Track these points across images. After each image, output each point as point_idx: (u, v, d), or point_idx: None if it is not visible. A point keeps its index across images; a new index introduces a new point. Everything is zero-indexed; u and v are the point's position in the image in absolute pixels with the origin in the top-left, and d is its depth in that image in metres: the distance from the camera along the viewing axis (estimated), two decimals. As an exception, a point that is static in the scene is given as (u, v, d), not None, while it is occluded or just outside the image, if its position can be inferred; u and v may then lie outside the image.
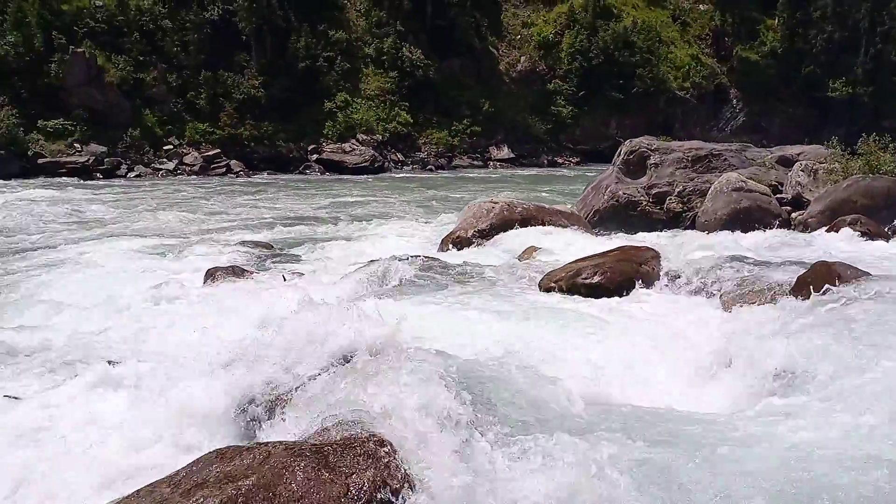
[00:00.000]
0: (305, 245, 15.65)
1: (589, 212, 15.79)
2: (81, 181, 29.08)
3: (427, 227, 17.22)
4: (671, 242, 11.60)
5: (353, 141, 37.05)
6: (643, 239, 13.00)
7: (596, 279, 8.38)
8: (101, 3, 35.05)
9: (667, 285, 8.60)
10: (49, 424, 5.16)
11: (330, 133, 36.83)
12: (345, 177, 33.35)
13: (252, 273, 10.87)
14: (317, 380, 5.22)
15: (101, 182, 29.39)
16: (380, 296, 8.54)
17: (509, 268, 10.39)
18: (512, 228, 13.31)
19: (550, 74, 44.17)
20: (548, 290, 8.54)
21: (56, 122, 31.65)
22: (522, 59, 44.48)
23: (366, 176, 33.85)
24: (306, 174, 34.15)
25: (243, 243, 14.42)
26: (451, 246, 13.34)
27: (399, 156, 38.09)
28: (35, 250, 14.65)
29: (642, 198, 15.40)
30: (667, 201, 15.22)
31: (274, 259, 13.07)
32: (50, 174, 29.62)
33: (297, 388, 5.30)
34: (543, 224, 13.50)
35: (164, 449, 4.68)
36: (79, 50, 32.52)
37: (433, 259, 10.97)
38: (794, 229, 12.99)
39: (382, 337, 5.56)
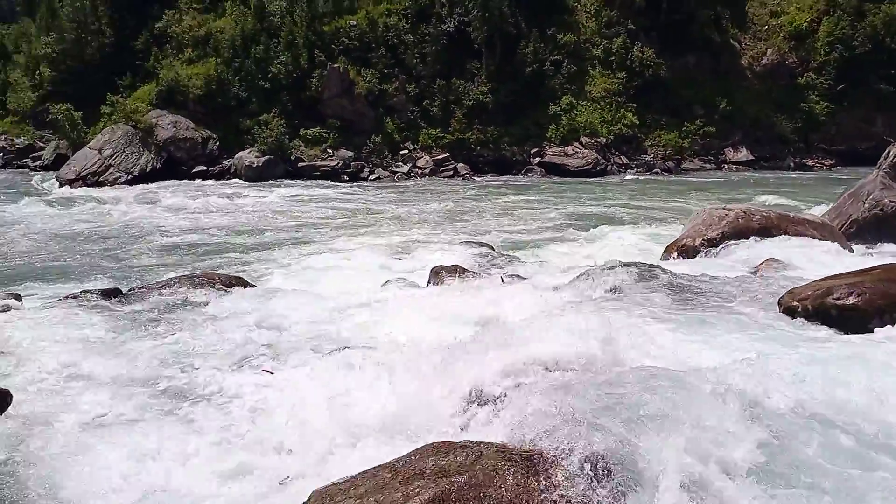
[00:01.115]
0: (526, 247, 15.88)
1: (844, 222, 13.78)
2: (331, 182, 32.73)
3: (650, 233, 16.45)
4: (956, 263, 9.68)
5: (576, 144, 36.72)
6: (916, 256, 11.06)
7: (851, 300, 7.23)
8: (354, 23, 39.06)
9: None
10: (293, 396, 5.85)
11: (553, 136, 36.94)
12: (566, 179, 33.21)
13: (473, 273, 11.29)
14: (533, 385, 5.23)
15: (346, 183, 32.80)
16: (598, 305, 8.32)
17: (743, 282, 9.45)
18: (748, 238, 12.12)
19: (802, 67, 39.51)
20: (790, 310, 7.58)
21: (314, 130, 35.99)
22: (769, 51, 40.39)
23: (588, 179, 33.37)
24: (528, 176, 34.66)
25: (466, 244, 15.05)
26: (675, 254, 12.54)
27: (623, 158, 36.93)
28: (291, 244, 16.78)
29: (917, 208, 13.06)
30: (951, 213, 12.75)
31: (495, 260, 13.43)
32: (307, 176, 33.79)
33: (512, 391, 5.36)
34: (787, 234, 12.09)
35: (382, 431, 5.03)
36: (335, 65, 36.62)
37: (655, 267, 10.41)
38: None
39: (601, 350, 5.40)
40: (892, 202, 13.39)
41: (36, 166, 37.71)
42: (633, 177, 34.57)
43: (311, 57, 37.16)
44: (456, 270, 11.25)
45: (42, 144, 40.16)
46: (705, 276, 9.93)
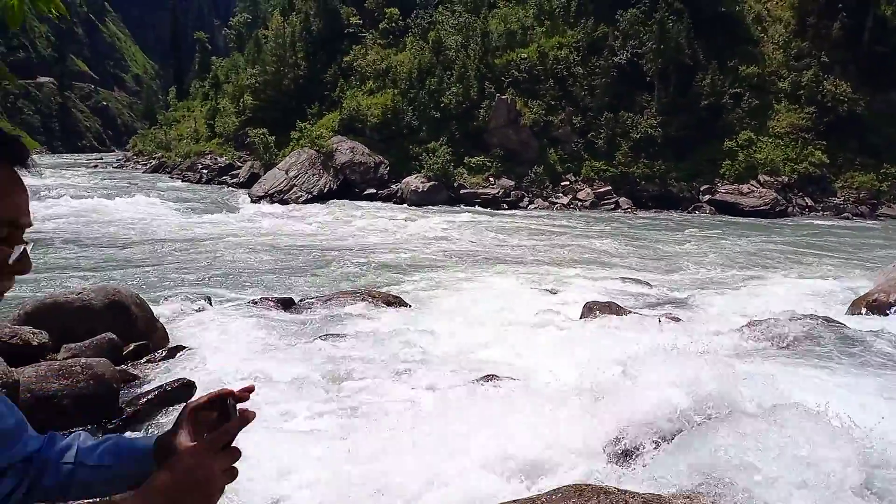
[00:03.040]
0: (686, 289, 15.05)
1: None
2: (491, 210, 33.35)
3: (833, 284, 14.86)
4: None
5: (753, 182, 34.23)
6: None
7: None
8: (525, 56, 39.86)
9: None
10: (442, 413, 6.02)
11: (727, 173, 34.80)
12: (739, 219, 31.05)
13: (628, 311, 10.92)
14: (688, 433, 4.98)
15: (506, 211, 33.24)
16: (767, 357, 7.71)
17: (947, 348, 8.27)
18: (956, 299, 10.59)
19: None
20: None
21: (478, 158, 37.02)
22: None
23: (763, 220, 30.95)
24: (696, 214, 32.89)
25: (623, 280, 14.62)
26: (864, 309, 11.25)
27: (808, 200, 33.80)
28: (447, 268, 17.31)
29: None
30: None
31: (652, 300, 12.92)
32: (468, 203, 34.74)
33: (666, 438, 5.13)
34: None
35: (523, 462, 5.01)
36: (503, 97, 37.51)
37: (838, 323, 9.42)
38: None
39: (763, 401, 5.01)
40: None
41: (233, 183, 42.40)
42: (818, 221, 31.52)
43: (481, 88, 38.37)
44: (610, 307, 10.97)
45: (240, 164, 45.13)
46: (898, 338, 8.83)
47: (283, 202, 33.75)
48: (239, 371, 6.92)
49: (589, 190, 35.71)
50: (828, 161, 34.56)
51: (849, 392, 6.07)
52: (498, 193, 35.20)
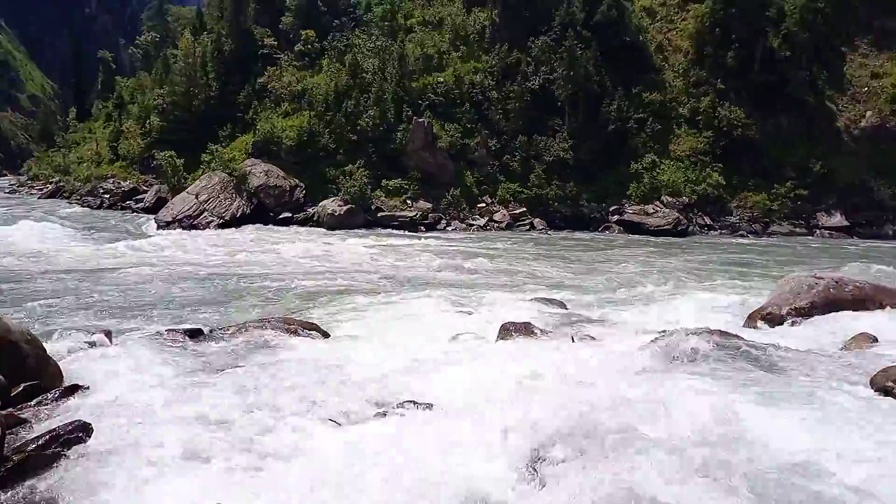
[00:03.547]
0: (598, 306, 15.53)
1: (951, 298, 12.76)
2: (409, 233, 33.39)
3: (732, 298, 15.73)
4: None
5: (657, 203, 36.01)
6: None
7: (955, 387, 6.69)
8: (441, 80, 40.43)
9: None
10: (357, 446, 5.89)
11: (633, 194, 36.44)
12: (645, 238, 32.51)
13: (544, 332, 11.12)
14: (599, 454, 5.07)
15: (424, 234, 33.36)
16: (673, 372, 8.00)
17: (833, 358, 8.88)
18: (840, 310, 11.41)
19: (905, 130, 37.50)
20: (883, 390, 7.06)
21: (395, 181, 37.07)
22: (868, 113, 38.62)
23: (667, 238, 32.53)
24: (605, 234, 34.17)
25: (538, 300, 14.89)
26: (759, 322, 11.95)
27: (706, 219, 35.82)
28: (365, 292, 17.14)
29: None
30: None
31: (567, 319, 13.21)
32: (386, 226, 34.67)
33: (574, 459, 5.21)
34: (882, 307, 11.32)
35: (436, 488, 4.96)
36: (420, 120, 37.83)
37: (736, 337, 9.94)
38: None
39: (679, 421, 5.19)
40: None
41: (138, 208, 40.52)
42: (716, 238, 33.42)
43: (399, 111, 38.58)
44: (526, 328, 11.13)
45: (145, 188, 43.23)
46: (791, 349, 9.41)
47: (193, 227, 32.54)
48: (135, 410, 6.53)
49: (505, 211, 36.42)
50: (724, 182, 36.80)
51: (760, 406, 6.38)
52: (416, 216, 35.31)
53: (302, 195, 36.90)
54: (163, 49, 58.75)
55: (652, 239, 32.42)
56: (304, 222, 35.28)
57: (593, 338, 10.75)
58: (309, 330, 11.07)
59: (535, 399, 6.55)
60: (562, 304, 14.53)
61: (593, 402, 5.60)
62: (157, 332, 9.91)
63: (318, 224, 34.75)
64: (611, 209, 36.30)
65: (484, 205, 37.04)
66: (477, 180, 37.99)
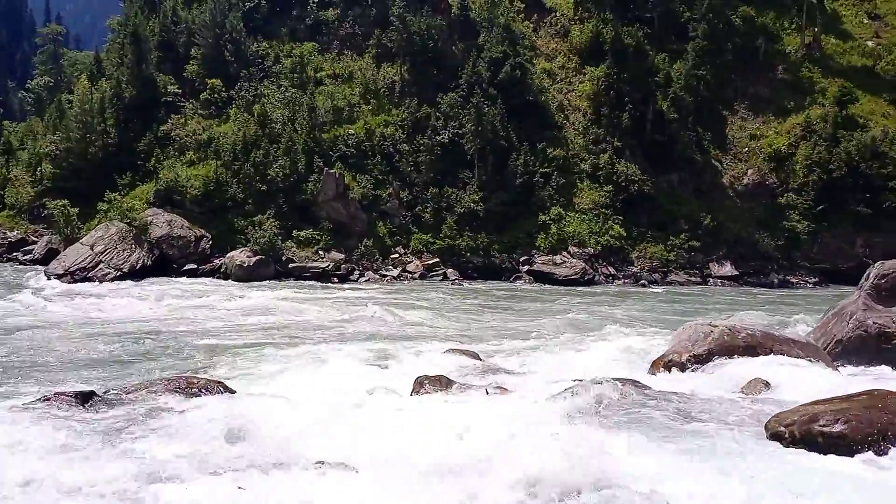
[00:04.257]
0: (511, 355, 15.74)
1: (829, 342, 13.87)
2: (321, 284, 32.79)
3: (636, 345, 16.38)
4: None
5: (565, 253, 37.35)
6: (901, 380, 11.07)
7: (837, 428, 7.18)
8: (352, 132, 40.67)
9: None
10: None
11: (542, 245, 37.64)
12: (555, 287, 33.50)
13: (457, 384, 11.12)
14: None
15: (336, 285, 32.87)
16: (587, 424, 8.17)
17: (730, 403, 9.39)
18: (734, 356, 12.11)
19: (782, 188, 41.01)
20: (776, 435, 7.50)
21: (307, 232, 36.53)
22: (749, 171, 42.09)
23: (575, 288, 33.68)
24: (516, 283, 34.95)
25: (451, 351, 14.90)
26: (661, 369, 12.48)
27: (611, 269, 37.46)
28: (275, 346, 16.59)
29: (899, 330, 13.19)
30: (933, 336, 12.86)
31: (480, 370, 13.28)
32: (297, 277, 33.92)
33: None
34: (772, 353, 12.11)
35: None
36: (331, 171, 37.72)
37: (642, 386, 10.34)
38: None
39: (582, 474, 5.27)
40: (875, 323, 13.55)
41: (26, 260, 37.69)
42: (620, 288, 34.91)
43: (309, 162, 38.34)
44: (440, 381, 11.10)
45: (35, 238, 40.35)
46: (691, 396, 9.87)
47: (87, 280, 30.58)
48: (20, 485, 5.94)
49: (418, 262, 36.60)
50: (625, 234, 38.74)
51: (661, 452, 6.59)
52: (328, 267, 34.83)
53: (208, 246, 35.61)
54: (56, 94, 55.98)
55: (561, 288, 33.43)
56: (210, 274, 33.95)
57: (507, 389, 10.85)
58: (214, 388, 10.54)
59: (447, 456, 6.49)
60: (475, 355, 14.61)
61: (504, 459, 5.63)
62: (44, 397, 9.12)
63: (225, 276, 33.53)
64: (521, 259, 37.25)
65: (397, 255, 37.08)
66: (390, 231, 38.09)
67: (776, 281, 37.44)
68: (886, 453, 6.64)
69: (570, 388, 9.73)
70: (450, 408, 9.29)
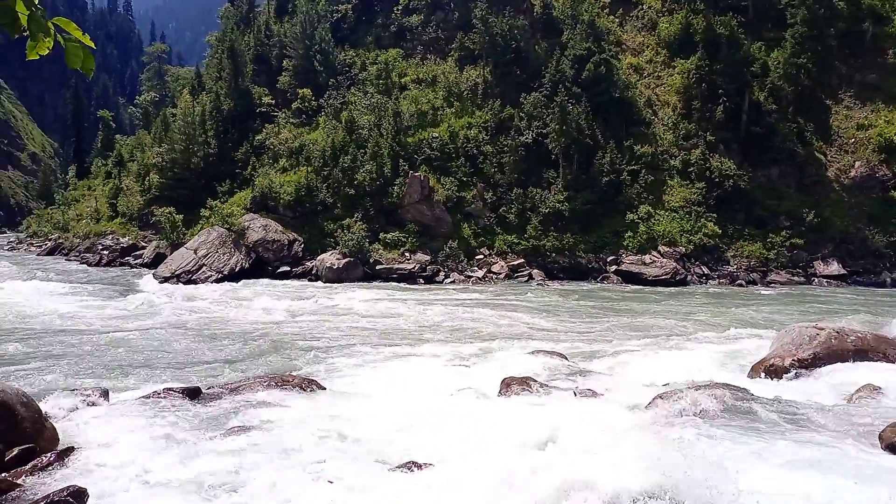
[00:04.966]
0: (600, 357, 15.41)
1: (952, 347, 12.71)
2: (408, 285, 33.35)
3: (733, 348, 15.66)
4: None
5: (654, 253, 36.18)
6: None
7: (963, 439, 6.61)
8: (436, 135, 41.15)
9: None
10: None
11: (630, 244, 36.64)
12: (643, 288, 32.52)
13: (545, 386, 11.01)
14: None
15: (422, 286, 33.32)
16: (680, 431, 7.89)
17: (839, 411, 8.80)
18: (842, 360, 11.35)
19: (894, 180, 38.06)
20: (891, 446, 6.97)
21: (393, 234, 37.27)
22: (857, 163, 39.29)
23: (666, 288, 32.55)
24: (603, 284, 34.18)
25: (539, 352, 14.77)
26: (762, 374, 11.86)
27: (704, 269, 35.94)
28: (366, 346, 17.00)
29: None
30: None
31: (568, 371, 13.09)
32: (384, 279, 34.65)
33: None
34: (886, 359, 11.26)
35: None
36: (416, 174, 38.31)
37: (740, 390, 9.85)
38: None
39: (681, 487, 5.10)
40: None
41: (137, 264, 40.48)
42: (714, 288, 33.46)
43: (395, 166, 39.10)
44: (527, 382, 11.02)
45: (144, 244, 43.30)
46: (796, 402, 9.33)
47: (192, 282, 32.48)
48: (133, 474, 6.39)
49: (502, 263, 36.51)
50: (719, 232, 37.07)
51: (768, 465, 6.27)
52: (414, 268, 35.35)
53: (300, 249, 37.00)
54: (162, 108, 59.82)
55: (650, 289, 32.44)
56: (302, 276, 35.26)
57: (595, 392, 10.63)
58: (309, 386, 10.94)
59: (531, 460, 6.42)
60: (563, 356, 14.41)
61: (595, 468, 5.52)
62: (155, 392, 9.78)
63: (316, 277, 34.72)
64: (608, 259, 36.42)
65: (482, 256, 37.15)
66: (474, 232, 38.22)
67: (889, 280, 34.75)
68: None
69: (664, 393, 9.42)
70: (537, 410, 9.20)
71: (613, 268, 35.90)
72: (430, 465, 6.92)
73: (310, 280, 34.41)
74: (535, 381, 11.17)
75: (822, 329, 12.28)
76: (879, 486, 5.50)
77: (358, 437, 8.26)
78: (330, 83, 45.93)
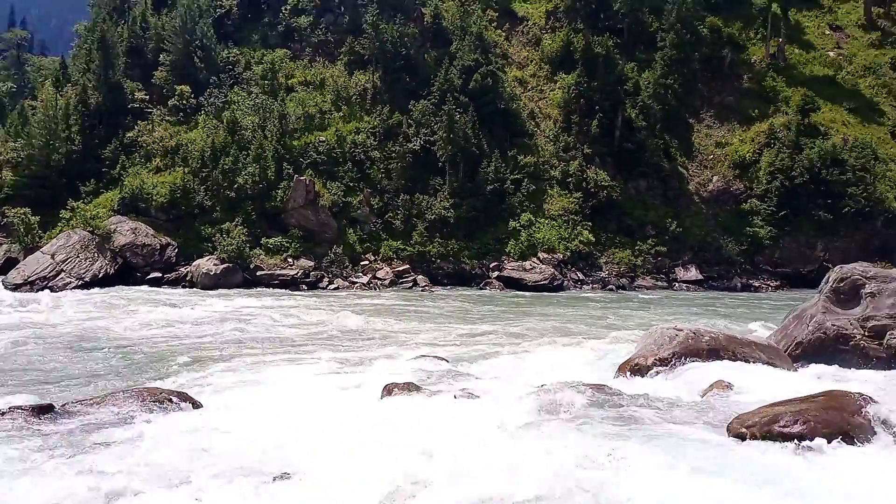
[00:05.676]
0: (480, 361, 15.75)
1: (789, 344, 14.16)
2: (290, 292, 32.49)
3: (604, 348, 16.56)
4: (893, 387, 9.98)
5: (534, 259, 37.57)
6: (856, 379, 11.37)
7: (797, 428, 7.35)
8: (323, 139, 40.45)
9: (890, 441, 7.29)
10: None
11: (512, 251, 37.81)
12: (523, 293, 33.68)
13: (427, 391, 11.10)
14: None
15: (305, 293, 32.59)
16: (552, 426, 8.22)
17: (694, 405, 9.54)
18: (698, 359, 12.30)
19: (746, 194, 41.88)
20: (738, 435, 7.64)
21: (276, 239, 36.16)
22: (714, 178, 42.90)
23: (544, 294, 33.89)
24: (486, 290, 35.05)
25: (421, 357, 14.89)
26: (628, 373, 12.61)
27: (579, 274, 37.80)
28: (243, 356, 16.38)
29: (856, 331, 13.54)
30: (887, 337, 13.22)
31: (449, 375, 13.28)
32: (265, 285, 33.57)
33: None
34: (734, 356, 12.32)
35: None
36: (301, 178, 37.44)
37: (607, 388, 10.43)
38: None
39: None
40: (833, 325, 13.88)
41: (-16, 269, 36.65)
42: (589, 293, 35.25)
43: (279, 169, 38.04)
44: (409, 387, 11.07)
45: (-6, 248, 39.28)
46: (657, 398, 9.99)
47: (49, 290, 29.84)
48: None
49: (388, 269, 36.49)
50: (594, 239, 39.13)
51: (629, 454, 6.66)
52: (297, 274, 34.54)
53: (174, 254, 35.06)
54: (20, 100, 54.70)
55: (530, 294, 33.62)
56: (176, 282, 33.43)
57: (475, 394, 10.86)
58: (179, 400, 10.36)
59: (414, 466, 6.47)
60: (444, 361, 14.62)
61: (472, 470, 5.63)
62: (-1, 411, 8.89)
63: (192, 284, 33.04)
64: (491, 265, 37.38)
65: (367, 262, 36.94)
66: (360, 238, 37.94)
67: (739, 285, 38.15)
68: (837, 449, 6.84)
69: (537, 392, 9.79)
70: (417, 415, 9.26)
71: (496, 274, 36.89)
72: (307, 476, 6.78)
73: (184, 287, 32.69)
74: (418, 385, 11.25)
75: (681, 330, 13.25)
76: (725, 468, 6.05)
77: (231, 451, 7.94)
78: (211, 81, 43.91)
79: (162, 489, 6.45)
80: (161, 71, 44.64)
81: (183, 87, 43.13)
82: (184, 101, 42.84)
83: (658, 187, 42.01)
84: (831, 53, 49.14)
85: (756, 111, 45.10)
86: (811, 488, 6.01)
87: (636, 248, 38.88)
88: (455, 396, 10.70)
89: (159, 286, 32.50)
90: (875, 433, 7.19)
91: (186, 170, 38.21)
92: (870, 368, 12.29)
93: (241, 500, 5.97)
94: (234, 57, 46.16)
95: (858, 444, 7.02)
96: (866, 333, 13.42)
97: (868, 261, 18.12)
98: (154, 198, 36.79)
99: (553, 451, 6.27)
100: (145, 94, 43.65)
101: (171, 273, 33.97)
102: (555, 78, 46.05)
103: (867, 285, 13.90)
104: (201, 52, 44.59)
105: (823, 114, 43.97)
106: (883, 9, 51.96)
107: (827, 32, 51.16)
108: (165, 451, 7.63)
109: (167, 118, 42.66)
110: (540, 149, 42.83)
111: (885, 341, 13.17)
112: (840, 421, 7.40)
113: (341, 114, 42.58)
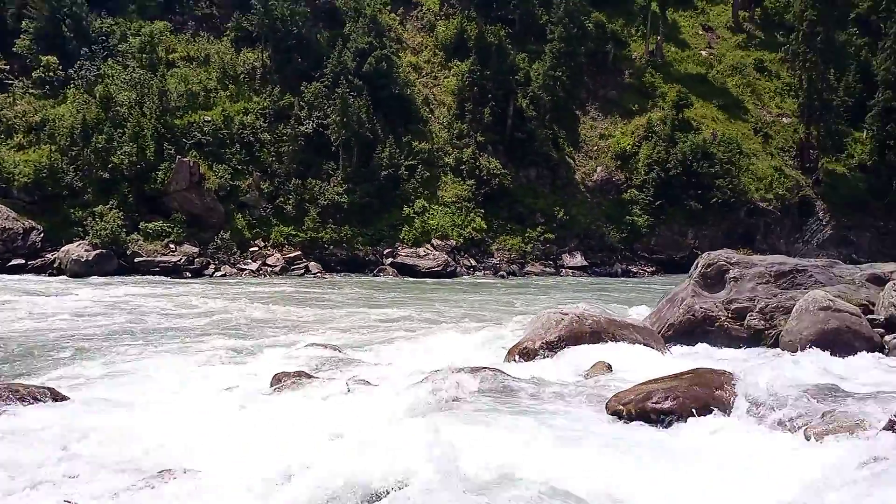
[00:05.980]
0: (372, 348, 15.72)
1: (663, 326, 15.16)
2: (172, 279, 30.85)
3: (494, 333, 16.99)
4: (752, 364, 10.93)
5: (428, 246, 37.91)
6: (721, 357, 12.35)
7: (667, 404, 7.90)
8: (208, 119, 38.57)
9: (747, 413, 7.99)
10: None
11: (406, 238, 37.95)
12: (417, 280, 33.91)
13: (318, 379, 10.92)
14: None
15: (189, 280, 31.07)
16: (442, 412, 8.34)
17: (577, 386, 9.99)
18: (582, 341, 12.90)
19: (626, 184, 44.35)
20: (615, 413, 8.10)
21: (156, 224, 34.19)
22: (598, 168, 45.05)
23: (438, 280, 34.29)
24: (380, 276, 34.98)
25: (312, 345, 14.61)
26: (517, 357, 13.02)
27: (472, 261, 38.58)
28: (121, 344, 15.40)
29: (721, 313, 14.69)
30: (747, 317, 14.45)
31: (341, 363, 13.13)
32: (144, 272, 31.69)
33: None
34: (614, 338, 13.03)
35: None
36: (184, 159, 35.53)
37: (498, 371, 10.71)
38: (888, 354, 11.99)
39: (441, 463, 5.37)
40: (701, 308, 14.98)
41: None
42: (481, 279, 36.03)
43: (160, 149, 35.90)
44: (300, 376, 10.85)
45: None
46: (543, 380, 10.38)
47: None
48: None
49: (279, 255, 35.53)
50: (486, 227, 40.04)
51: (514, 435, 6.89)
52: (180, 261, 32.87)
53: (39, 239, 32.31)
54: None
55: (423, 280, 33.88)
56: (42, 270, 30.87)
57: (368, 382, 10.82)
58: (45, 396, 9.58)
59: (300, 458, 6.37)
60: (336, 349, 14.43)
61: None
62: None
63: (59, 271, 30.62)
64: (385, 252, 37.31)
65: (257, 248, 35.75)
66: (249, 223, 36.63)
67: (619, 270, 40.41)
68: (703, 422, 7.47)
69: (428, 378, 9.88)
70: (308, 404, 9.11)
71: (390, 260, 36.89)
72: (189, 472, 6.48)
73: (51, 275, 30.29)
74: (308, 374, 11.05)
75: (566, 314, 13.81)
76: (601, 443, 6.46)
77: (105, 449, 7.44)
78: (82, 52, 40.60)
79: (27, 489, 5.96)
80: (24, 39, 40.73)
81: (49, 57, 39.59)
82: (50, 73, 39.36)
83: (547, 176, 43.52)
84: (703, 53, 52.81)
85: (636, 105, 47.71)
86: (671, 451, 6.52)
87: (526, 235, 40.14)
88: (348, 384, 10.60)
89: (23, 273, 29.94)
90: (735, 406, 7.86)
91: (54, 148, 35.24)
92: (733, 347, 13.35)
93: (118, 499, 5.62)
94: (107, 27, 42.89)
95: (721, 414, 7.65)
96: (730, 315, 14.59)
97: (732, 248, 19.66)
98: (16, 177, 33.71)
99: (426, 433, 6.35)
100: (5, 64, 39.72)
101: (35, 259, 31.38)
102: (449, 65, 46.43)
103: (731, 270, 15.08)
104: (70, 20, 41.07)
105: (696, 110, 47.22)
106: (748, 12, 56.40)
107: (700, 33, 54.88)
108: (27, 452, 7.04)
109: (31, 91, 39.07)
110: (434, 135, 43.11)
111: (745, 322, 14.38)
112: (705, 396, 8.03)
113: (228, 93, 40.80)
